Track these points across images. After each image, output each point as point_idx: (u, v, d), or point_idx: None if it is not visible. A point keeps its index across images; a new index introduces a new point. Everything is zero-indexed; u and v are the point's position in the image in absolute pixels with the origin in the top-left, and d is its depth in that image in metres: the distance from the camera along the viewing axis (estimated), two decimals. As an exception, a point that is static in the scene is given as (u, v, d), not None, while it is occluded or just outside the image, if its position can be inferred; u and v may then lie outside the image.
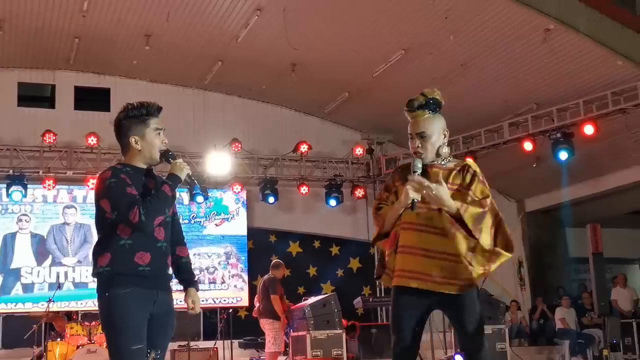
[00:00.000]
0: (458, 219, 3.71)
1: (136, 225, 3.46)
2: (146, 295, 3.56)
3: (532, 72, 12.13)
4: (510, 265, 16.16)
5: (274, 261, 11.05)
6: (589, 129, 11.77)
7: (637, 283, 19.67)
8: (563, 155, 12.08)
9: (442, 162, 3.88)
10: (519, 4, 10.65)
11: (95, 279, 3.62)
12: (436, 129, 3.93)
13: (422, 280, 3.69)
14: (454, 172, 3.86)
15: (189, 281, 3.93)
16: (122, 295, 3.49)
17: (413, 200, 3.68)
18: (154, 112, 3.74)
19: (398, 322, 3.77)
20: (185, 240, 4.04)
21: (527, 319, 15.00)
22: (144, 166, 3.71)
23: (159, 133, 3.72)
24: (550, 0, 10.88)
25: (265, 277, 10.72)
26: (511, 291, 15.72)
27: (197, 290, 3.95)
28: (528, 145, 12.60)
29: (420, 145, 3.86)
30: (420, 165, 3.78)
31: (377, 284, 14.77)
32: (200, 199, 13.93)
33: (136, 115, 3.70)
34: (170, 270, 3.85)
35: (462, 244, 3.72)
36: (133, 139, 3.67)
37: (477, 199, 3.79)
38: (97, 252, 3.60)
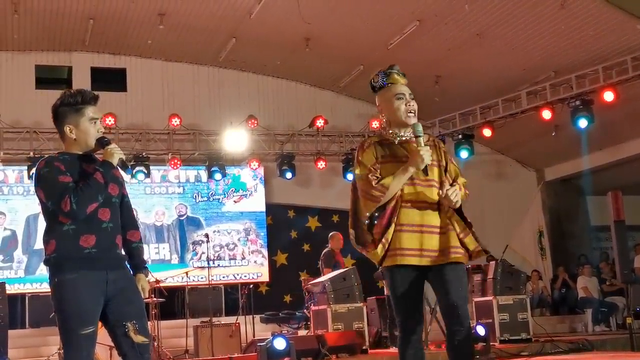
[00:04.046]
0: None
1: (67, 214, 3.49)
2: (96, 278, 3.57)
3: (550, 39, 11.97)
4: (530, 235, 16.10)
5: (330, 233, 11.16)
6: (608, 96, 11.63)
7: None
8: (582, 123, 11.95)
9: (409, 135, 3.82)
10: (535, -31, 10.51)
11: (47, 267, 3.64)
12: None
13: (426, 257, 3.69)
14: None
15: (138, 266, 3.88)
16: (71, 280, 3.51)
17: (426, 164, 3.67)
18: (90, 101, 3.70)
19: (407, 302, 3.75)
20: (137, 224, 3.99)
21: (549, 288, 14.96)
22: (81, 153, 3.71)
23: (95, 122, 3.70)
24: (567, -35, 10.71)
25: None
26: (532, 261, 15.68)
27: (147, 276, 3.90)
28: (547, 114, 12.48)
29: (412, 105, 3.79)
30: (421, 129, 3.74)
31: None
32: (218, 176, 13.97)
33: (71, 104, 3.68)
34: (123, 251, 3.81)
35: (459, 222, 3.78)
36: (68, 128, 3.67)
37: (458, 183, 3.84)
38: (45, 240, 3.64)
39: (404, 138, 3.82)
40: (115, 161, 3.68)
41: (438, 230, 3.72)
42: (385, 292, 10.03)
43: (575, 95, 12.00)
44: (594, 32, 11.53)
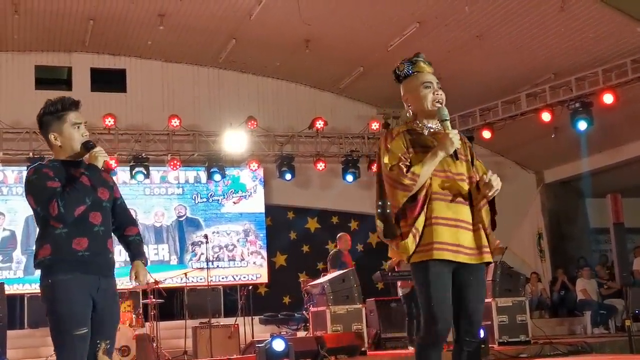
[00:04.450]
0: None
1: (56, 218, 3.54)
2: (88, 281, 3.61)
3: (550, 41, 11.98)
4: (530, 237, 16.11)
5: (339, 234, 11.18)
6: (608, 98, 11.64)
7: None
8: (582, 125, 11.96)
9: (437, 127, 3.68)
10: (535, -28, 10.52)
11: (39, 270, 3.67)
12: None
13: (462, 254, 3.50)
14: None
15: (136, 255, 3.92)
16: (64, 281, 3.56)
17: (456, 148, 3.53)
18: (70, 107, 3.75)
19: (444, 301, 3.47)
20: (134, 220, 4.07)
21: (548, 290, 14.96)
22: (70, 159, 3.76)
23: (78, 127, 3.74)
24: (567, -32, 10.72)
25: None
26: (531, 263, 15.68)
27: (145, 264, 3.94)
28: (546, 116, 12.49)
29: (440, 94, 3.64)
30: (447, 113, 3.59)
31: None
32: (217, 177, 13.98)
33: (52, 112, 3.74)
34: (114, 256, 3.84)
35: (486, 215, 3.64)
36: (52, 136, 3.74)
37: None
38: (38, 245, 3.68)
39: (432, 129, 3.66)
40: (100, 164, 3.72)
41: (471, 226, 3.56)
42: (400, 292, 10.03)
43: (574, 98, 12.01)
44: (594, 34, 11.54)
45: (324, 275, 10.74)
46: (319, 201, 15.26)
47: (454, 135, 3.51)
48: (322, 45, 13.13)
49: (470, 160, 3.70)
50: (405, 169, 3.49)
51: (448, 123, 3.57)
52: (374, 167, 14.87)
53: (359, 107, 15.64)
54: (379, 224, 3.66)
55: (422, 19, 11.93)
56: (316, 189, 15.21)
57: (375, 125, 15.02)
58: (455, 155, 3.55)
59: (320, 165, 14.61)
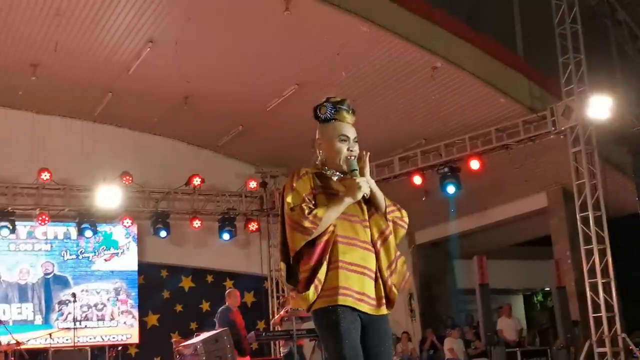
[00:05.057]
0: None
1: None
2: None
3: (421, 108, 12.52)
4: (401, 297, 16.41)
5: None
6: (474, 164, 12.24)
7: (522, 313, 20.48)
8: (450, 189, 12.48)
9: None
10: (409, 42, 11.02)
11: None
12: None
13: (365, 303, 3.32)
14: None
15: None
16: None
17: (364, 194, 3.38)
18: None
19: (354, 347, 3.25)
20: None
21: (417, 349, 15.27)
22: None
23: None
24: (438, 39, 11.32)
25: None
26: (402, 322, 15.99)
27: None
28: (417, 179, 12.94)
29: (355, 150, 3.52)
30: (356, 165, 3.45)
31: (271, 318, 14.70)
32: (89, 233, 13.52)
33: None
34: None
35: (384, 259, 3.44)
36: None
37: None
38: None
39: (341, 176, 3.51)
40: None
41: (374, 274, 3.37)
42: (281, 352, 9.89)
43: (443, 163, 12.54)
44: (462, 103, 12.16)
45: (197, 336, 10.52)
46: (194, 259, 15.04)
47: (363, 182, 3.37)
48: (201, 102, 13.14)
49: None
50: (307, 211, 3.29)
51: (357, 173, 3.42)
52: (251, 226, 14.95)
53: (237, 165, 15.67)
54: (282, 266, 3.43)
55: (301, 81, 12.20)
56: (191, 247, 15.00)
57: (252, 184, 15.09)
58: (363, 201, 3.41)
59: (196, 223, 14.46)
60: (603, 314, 10.79)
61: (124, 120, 14.53)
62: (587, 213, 11.10)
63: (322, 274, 3.27)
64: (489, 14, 13.16)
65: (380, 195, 3.50)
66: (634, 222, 11.58)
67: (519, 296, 21.46)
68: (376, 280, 3.38)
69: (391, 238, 3.48)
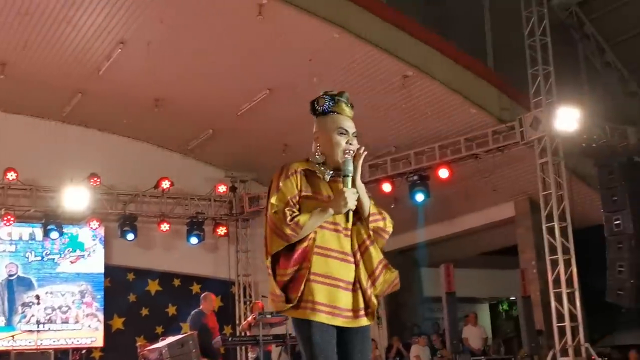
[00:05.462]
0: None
1: None
2: None
3: (392, 116, 12.58)
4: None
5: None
6: (443, 173, 12.33)
7: (487, 322, 20.64)
8: (419, 197, 12.56)
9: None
10: (381, 50, 11.09)
11: None
12: None
13: (338, 317, 3.26)
14: None
15: None
16: None
17: (350, 209, 3.26)
18: None
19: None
20: None
21: (384, 357, 15.30)
22: None
23: None
24: (409, 48, 11.40)
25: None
26: (371, 329, 15.99)
27: None
28: (387, 187, 13.00)
29: (354, 144, 3.40)
30: (351, 168, 3.31)
31: (238, 323, 14.64)
32: (54, 234, 13.37)
33: None
34: None
35: (364, 269, 3.39)
36: None
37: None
38: None
39: (333, 176, 3.37)
40: None
41: (351, 286, 3.30)
42: (250, 356, 9.82)
43: (413, 171, 12.62)
44: (432, 112, 12.25)
45: (162, 340, 10.45)
46: (161, 263, 14.93)
47: (350, 195, 3.23)
48: (171, 105, 13.07)
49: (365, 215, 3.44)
50: (289, 217, 3.19)
51: (349, 180, 3.28)
52: (219, 230, 14.88)
53: (207, 169, 15.61)
54: (268, 263, 3.31)
55: (272, 86, 12.20)
56: (159, 250, 14.90)
57: (222, 188, 15.04)
58: (346, 217, 3.30)
59: (164, 226, 14.37)
60: (567, 323, 10.92)
61: (93, 121, 14.40)
62: (553, 223, 11.24)
63: (298, 283, 3.21)
64: (460, 25, 13.27)
65: (366, 203, 3.40)
66: (598, 234, 11.72)
67: (484, 305, 21.62)
68: (355, 291, 3.32)
69: (372, 248, 3.42)
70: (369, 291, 3.36)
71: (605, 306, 11.88)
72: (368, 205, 3.42)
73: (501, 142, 11.97)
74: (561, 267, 11.06)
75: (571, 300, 11.01)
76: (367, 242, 3.42)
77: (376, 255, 3.45)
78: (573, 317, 10.97)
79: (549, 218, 11.33)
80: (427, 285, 17.36)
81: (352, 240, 3.37)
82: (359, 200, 3.33)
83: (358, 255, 3.37)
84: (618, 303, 11.49)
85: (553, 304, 11.13)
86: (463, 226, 15.27)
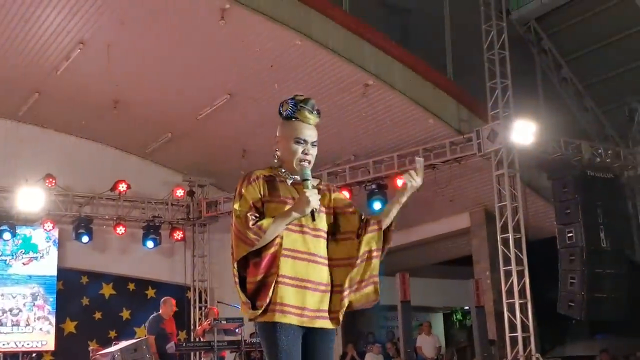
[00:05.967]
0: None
1: None
2: None
3: (352, 124, 12.65)
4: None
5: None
6: (401, 182, 12.36)
7: (441, 331, 20.80)
8: (377, 205, 12.62)
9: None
10: (342, 58, 11.15)
11: None
12: None
13: (306, 317, 3.24)
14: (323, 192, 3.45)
15: None
16: None
17: (313, 209, 3.21)
18: None
19: None
20: None
21: (339, 364, 15.34)
22: None
23: None
24: (371, 57, 11.49)
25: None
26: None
27: None
28: (345, 195, 13.02)
29: (310, 154, 3.39)
30: (309, 173, 3.32)
31: (193, 328, 14.54)
32: (7, 235, 13.13)
33: None
34: None
35: (353, 275, 3.39)
36: None
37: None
38: None
39: (296, 180, 3.36)
40: None
41: (322, 287, 3.29)
42: None
43: (371, 179, 12.68)
44: (391, 122, 12.35)
45: (115, 344, 10.33)
46: (116, 266, 14.76)
47: (312, 195, 3.20)
48: (131, 107, 12.96)
49: (333, 212, 3.46)
50: (252, 222, 3.18)
51: (309, 183, 3.27)
52: (176, 235, 14.76)
53: (165, 172, 15.49)
54: (235, 271, 3.28)
55: (233, 91, 12.18)
56: (114, 253, 14.72)
57: (179, 192, 14.94)
58: (312, 217, 3.25)
59: (120, 230, 14.20)
60: (519, 333, 11.07)
61: (50, 122, 14.19)
62: (507, 235, 11.40)
63: (267, 288, 3.18)
64: (421, 36, 13.43)
65: (393, 214, 3.55)
66: (551, 246, 11.93)
67: (439, 314, 21.79)
68: (324, 292, 3.30)
69: (375, 261, 3.47)
70: (347, 298, 3.37)
71: (557, 317, 12.08)
72: (392, 217, 3.55)
73: (458, 153, 12.11)
74: (514, 278, 11.22)
75: (523, 311, 11.17)
76: (375, 254, 3.48)
77: (375, 269, 3.51)
78: (525, 327, 11.13)
79: (504, 229, 11.48)
80: (382, 294, 17.25)
81: (360, 245, 3.41)
82: (386, 209, 3.50)
83: (358, 261, 3.41)
84: (569, 314, 11.69)
85: (506, 314, 11.29)
86: (419, 236, 15.39)
